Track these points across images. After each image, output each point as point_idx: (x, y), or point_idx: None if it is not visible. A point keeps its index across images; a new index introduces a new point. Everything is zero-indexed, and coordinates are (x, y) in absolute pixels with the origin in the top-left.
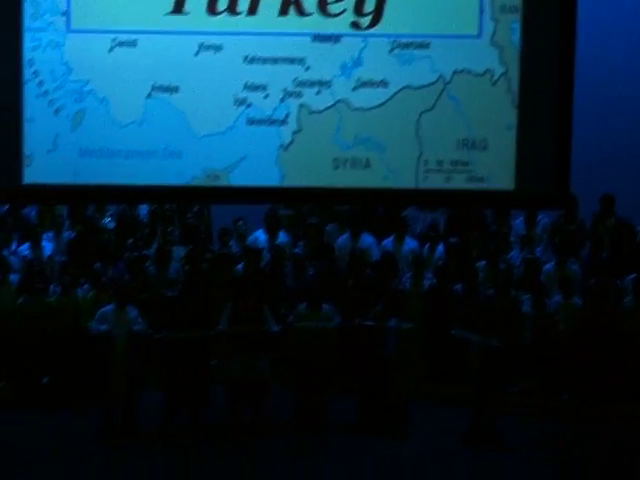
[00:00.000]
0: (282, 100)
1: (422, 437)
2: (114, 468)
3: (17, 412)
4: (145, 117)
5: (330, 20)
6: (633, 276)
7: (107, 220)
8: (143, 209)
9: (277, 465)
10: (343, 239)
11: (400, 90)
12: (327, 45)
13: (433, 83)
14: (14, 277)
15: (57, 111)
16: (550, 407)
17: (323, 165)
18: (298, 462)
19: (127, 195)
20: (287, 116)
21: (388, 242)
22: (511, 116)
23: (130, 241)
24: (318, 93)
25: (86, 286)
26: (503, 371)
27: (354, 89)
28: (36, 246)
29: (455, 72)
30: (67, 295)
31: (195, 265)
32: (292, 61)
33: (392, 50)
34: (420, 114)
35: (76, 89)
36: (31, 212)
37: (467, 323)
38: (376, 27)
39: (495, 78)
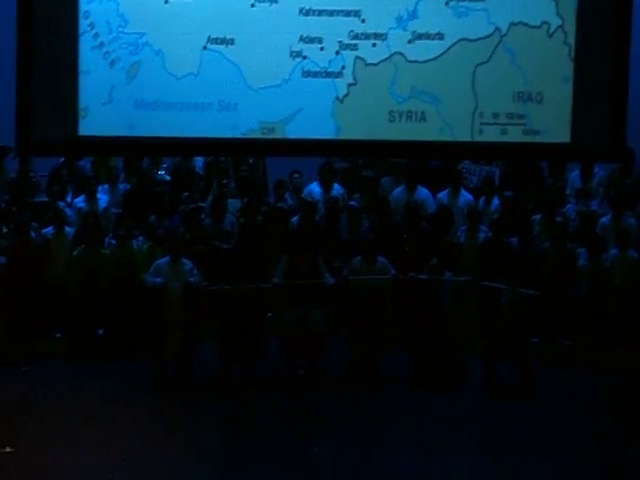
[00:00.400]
0: (337, 52)
1: (477, 391)
2: (169, 420)
3: (73, 364)
4: (200, 69)
5: None
6: None
7: (162, 172)
8: (198, 161)
9: (331, 418)
10: (398, 192)
11: (456, 43)
12: None
13: (489, 36)
14: (70, 229)
15: (112, 63)
16: (605, 360)
17: (379, 118)
18: (352, 415)
19: (182, 147)
20: (343, 68)
21: (443, 195)
22: (567, 69)
23: (185, 194)
24: (374, 46)
25: (141, 238)
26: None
27: (410, 42)
28: (91, 198)
29: (511, 24)
30: (122, 247)
31: (250, 218)
32: (348, 13)
33: (448, 3)
34: (476, 67)
35: (131, 41)
36: (86, 164)
37: (518, 276)
38: None
39: (551, 30)
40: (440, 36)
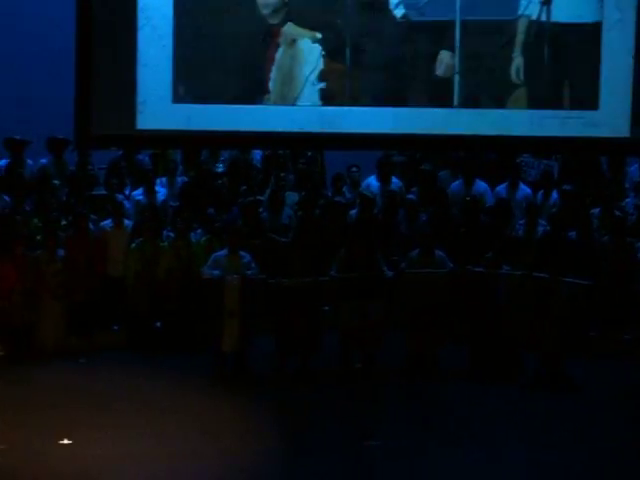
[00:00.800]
0: None
1: (533, 384)
2: (225, 413)
3: (130, 357)
4: None
5: None
6: None
7: (220, 166)
8: (256, 154)
9: (388, 412)
10: (456, 185)
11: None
12: None
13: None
14: (128, 222)
15: (170, 56)
16: None
17: (438, 111)
18: (409, 409)
19: (240, 141)
20: None
21: (502, 188)
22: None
23: (243, 187)
24: None
25: (199, 231)
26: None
27: None
28: (150, 191)
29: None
30: (180, 240)
31: (308, 211)
32: None
33: None
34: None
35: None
36: (145, 157)
37: (576, 270)
38: None
39: (610, 25)
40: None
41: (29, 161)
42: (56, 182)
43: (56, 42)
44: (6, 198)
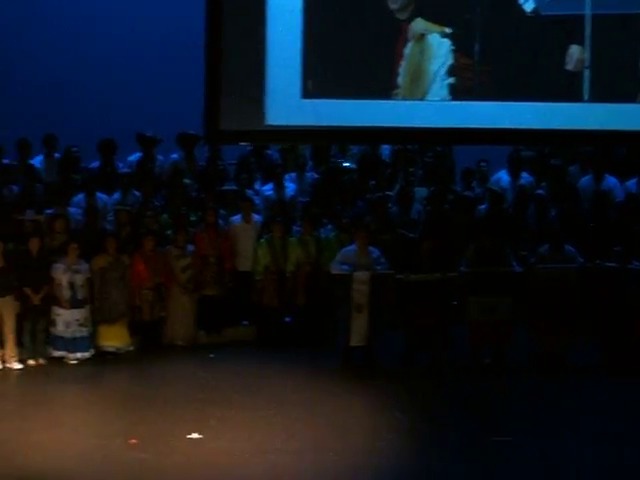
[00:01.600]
0: None
1: None
2: (354, 408)
3: (260, 352)
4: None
5: None
6: None
7: (346, 161)
8: (385, 149)
9: (517, 407)
10: (585, 180)
11: None
12: None
13: None
14: (258, 217)
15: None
16: None
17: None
18: (538, 404)
19: (369, 136)
20: None
21: (632, 184)
22: None
23: (372, 182)
24: None
25: (328, 226)
26: None
27: None
28: (279, 186)
29: None
30: (309, 235)
31: (437, 206)
32: None
33: None
34: None
35: None
36: (274, 153)
37: None
38: None
39: None
40: None
41: (159, 157)
42: (187, 180)
43: (185, 39)
44: (136, 194)
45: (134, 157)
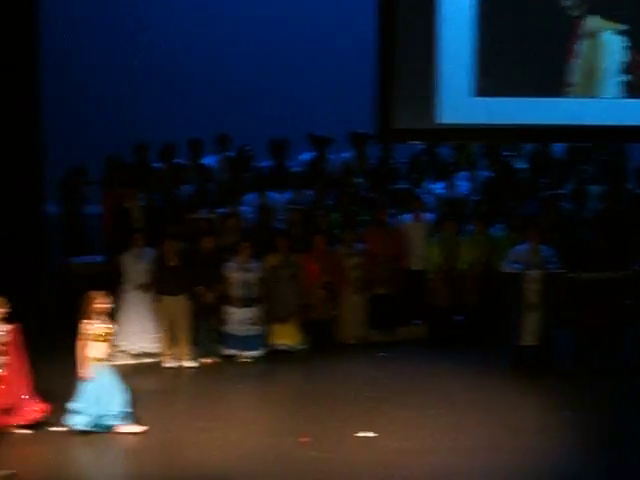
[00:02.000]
0: None
1: None
2: (526, 407)
3: (430, 350)
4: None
5: None
6: None
7: (520, 160)
8: (557, 147)
9: None
10: None
11: None
12: None
13: None
14: (429, 216)
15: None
16: None
17: None
18: None
19: (541, 134)
20: None
21: None
22: None
23: (544, 180)
24: None
25: (500, 225)
26: None
27: None
28: (451, 185)
29: None
30: (481, 234)
31: (611, 204)
32: None
33: None
34: None
35: None
36: (446, 151)
37: None
38: None
39: None
40: None
41: (331, 156)
42: (358, 179)
43: (355, 39)
44: (308, 193)
45: (306, 156)
